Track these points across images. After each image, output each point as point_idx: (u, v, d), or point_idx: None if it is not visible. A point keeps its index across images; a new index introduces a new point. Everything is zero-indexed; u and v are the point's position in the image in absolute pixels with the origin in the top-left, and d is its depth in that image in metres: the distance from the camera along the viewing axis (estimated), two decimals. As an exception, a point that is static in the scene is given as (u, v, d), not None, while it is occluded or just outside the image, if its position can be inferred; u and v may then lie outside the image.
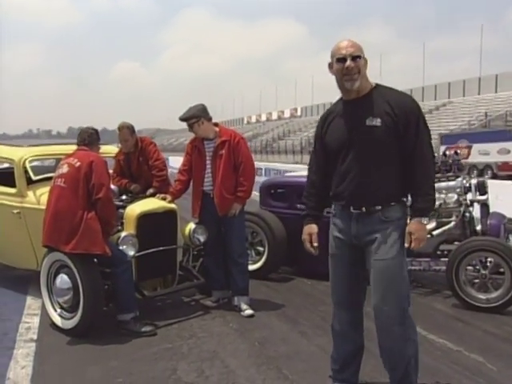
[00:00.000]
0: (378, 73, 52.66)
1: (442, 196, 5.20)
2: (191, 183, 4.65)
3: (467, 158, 22.26)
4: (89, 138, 4.17)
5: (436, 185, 5.15)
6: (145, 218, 4.31)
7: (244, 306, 4.47)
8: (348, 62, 2.58)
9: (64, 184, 3.91)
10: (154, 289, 4.47)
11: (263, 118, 69.88)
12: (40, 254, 4.23)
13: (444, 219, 5.14)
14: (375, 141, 2.57)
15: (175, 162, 36.99)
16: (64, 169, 3.97)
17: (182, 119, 4.50)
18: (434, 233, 5.02)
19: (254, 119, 73.08)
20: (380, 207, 2.62)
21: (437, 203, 5.16)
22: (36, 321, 4.24)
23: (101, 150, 4.82)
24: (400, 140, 2.55)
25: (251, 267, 5.36)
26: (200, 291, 4.92)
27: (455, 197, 5.14)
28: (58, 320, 4.00)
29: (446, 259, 4.76)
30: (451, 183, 5.24)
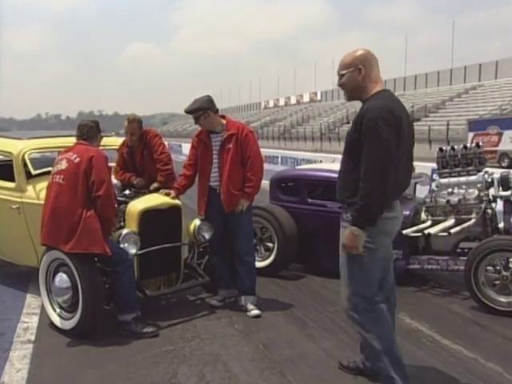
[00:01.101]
0: (402, 54, 51.74)
1: (462, 191, 5.14)
2: (197, 178, 4.66)
3: (497, 145, 21.87)
4: (88, 133, 4.17)
5: (455, 179, 5.22)
6: (148, 215, 4.33)
7: (250, 306, 4.50)
8: (337, 81, 3.08)
9: (63, 181, 3.94)
10: (158, 287, 4.50)
11: (281, 102, 69.41)
12: (40, 250, 4.28)
13: (463, 216, 5.08)
14: (346, 145, 3.03)
15: (188, 149, 37.16)
16: (63, 165, 3.99)
17: (188, 112, 4.51)
18: (452, 231, 4.96)
19: (271, 104, 72.64)
20: (346, 206, 2.99)
21: (455, 199, 5.11)
22: (35, 320, 4.31)
23: (103, 142, 4.87)
24: (358, 146, 2.86)
25: (260, 264, 5.39)
26: (206, 290, 4.95)
27: (476, 192, 5.06)
28: (57, 320, 4.06)
29: (466, 258, 4.71)
30: (471, 178, 5.16)
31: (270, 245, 5.63)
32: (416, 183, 6.18)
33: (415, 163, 11.72)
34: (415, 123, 33.64)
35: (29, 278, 5.15)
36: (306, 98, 63.80)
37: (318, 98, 61.25)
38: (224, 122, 4.53)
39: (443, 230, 5.00)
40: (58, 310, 4.09)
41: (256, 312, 4.45)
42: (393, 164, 2.77)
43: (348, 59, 3.02)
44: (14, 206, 4.81)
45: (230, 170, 4.39)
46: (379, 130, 2.74)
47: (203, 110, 4.42)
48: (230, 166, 4.38)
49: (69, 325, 3.97)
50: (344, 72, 3.01)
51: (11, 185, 4.95)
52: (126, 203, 4.51)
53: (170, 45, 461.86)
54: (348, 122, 42.66)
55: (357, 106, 39.93)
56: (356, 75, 2.97)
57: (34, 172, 4.90)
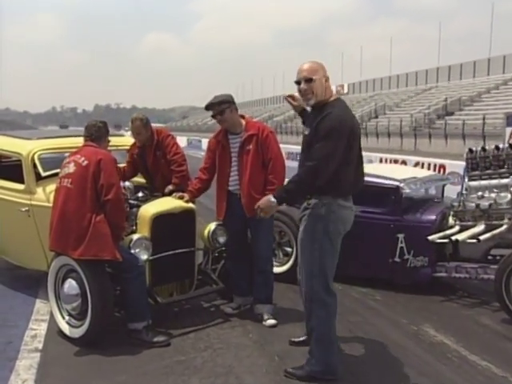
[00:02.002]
0: (435, 43, 50.90)
1: (493, 195, 5.05)
2: (214, 183, 4.64)
3: (537, 141, 21.42)
4: (96, 133, 4.23)
5: (486, 182, 5.17)
6: (160, 219, 4.37)
7: (266, 316, 4.50)
8: (301, 85, 3.43)
9: (71, 185, 4.00)
10: (170, 294, 4.54)
11: (306, 95, 69.03)
12: (50, 254, 4.35)
13: (495, 222, 4.99)
14: (304, 146, 3.52)
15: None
16: (70, 168, 4.05)
17: (211, 104, 4.42)
18: (482, 237, 4.88)
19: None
20: (309, 196, 3.47)
21: (486, 203, 5.03)
22: (43, 327, 4.37)
23: (115, 142, 4.94)
24: None
25: (278, 269, 5.39)
26: (221, 296, 4.98)
27: (508, 196, 4.97)
28: (65, 328, 4.13)
29: (497, 266, 4.63)
30: (504, 180, 5.08)
31: (289, 249, 5.63)
32: (444, 185, 6.10)
33: (447, 161, 11.60)
34: (448, 117, 33.14)
35: (38, 282, 5.20)
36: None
37: (345, 90, 60.79)
38: (243, 122, 4.52)
39: (472, 237, 4.92)
40: (66, 318, 4.15)
41: (272, 322, 4.45)
42: (332, 166, 3.30)
43: (316, 66, 3.43)
44: (23, 209, 4.88)
45: (250, 173, 4.35)
46: (330, 137, 3.28)
47: (229, 102, 4.38)
48: (251, 169, 4.35)
49: (77, 333, 4.03)
50: (316, 77, 3.38)
51: (20, 186, 5.03)
52: (138, 207, 4.55)
53: (190, 35, 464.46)
54: (376, 117, 42.35)
55: (386, 99, 39.04)
56: (323, 82, 3.42)
57: (43, 173, 4.97)
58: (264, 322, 4.46)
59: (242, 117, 4.58)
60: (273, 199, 3.43)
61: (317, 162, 3.29)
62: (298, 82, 3.46)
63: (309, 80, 3.38)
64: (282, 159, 4.53)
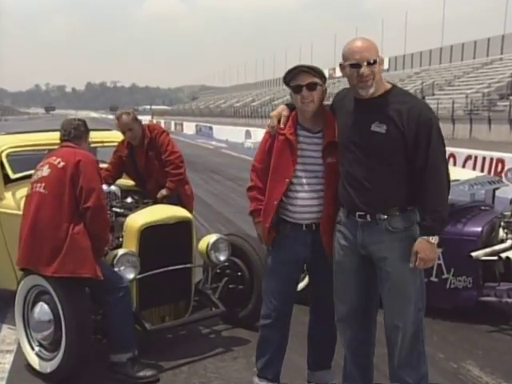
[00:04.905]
0: (500, 7, 49.41)
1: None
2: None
3: None
4: (75, 132, 4.27)
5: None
6: (150, 231, 4.41)
7: None
8: (363, 69, 3.11)
9: (44, 190, 4.05)
10: (162, 319, 4.59)
11: (338, 72, 68.84)
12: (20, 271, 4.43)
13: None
14: (377, 147, 3.17)
15: (220, 132, 36.69)
16: (44, 171, 4.10)
17: (305, 69, 3.45)
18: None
19: (325, 74, 72.29)
20: (385, 216, 3.20)
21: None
22: (8, 360, 4.40)
23: (102, 138, 5.00)
24: (408, 150, 3.13)
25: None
26: (223, 320, 5.02)
27: None
28: (34, 361, 4.17)
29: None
30: None
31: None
32: (495, 189, 6.02)
33: (507, 155, 11.50)
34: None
35: (7, 303, 5.17)
36: (371, 67, 62.95)
37: (386, 66, 60.31)
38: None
39: (528, 254, 4.87)
40: (36, 349, 4.20)
41: None
42: None
43: (374, 44, 3.22)
44: (-12, 217, 4.94)
45: (335, 197, 3.46)
46: (440, 133, 3.16)
47: (325, 79, 3.52)
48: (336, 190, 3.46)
49: (49, 367, 4.06)
50: (377, 58, 3.18)
51: (-15, 191, 5.07)
52: (126, 216, 4.59)
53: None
54: (423, 98, 41.89)
55: (436, 76, 38.76)
56: (381, 65, 3.25)
57: (13, 176, 5.04)
58: None
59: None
60: (433, 239, 3.18)
61: (444, 172, 3.17)
62: (356, 65, 3.12)
63: (372, 62, 3.12)
64: None
